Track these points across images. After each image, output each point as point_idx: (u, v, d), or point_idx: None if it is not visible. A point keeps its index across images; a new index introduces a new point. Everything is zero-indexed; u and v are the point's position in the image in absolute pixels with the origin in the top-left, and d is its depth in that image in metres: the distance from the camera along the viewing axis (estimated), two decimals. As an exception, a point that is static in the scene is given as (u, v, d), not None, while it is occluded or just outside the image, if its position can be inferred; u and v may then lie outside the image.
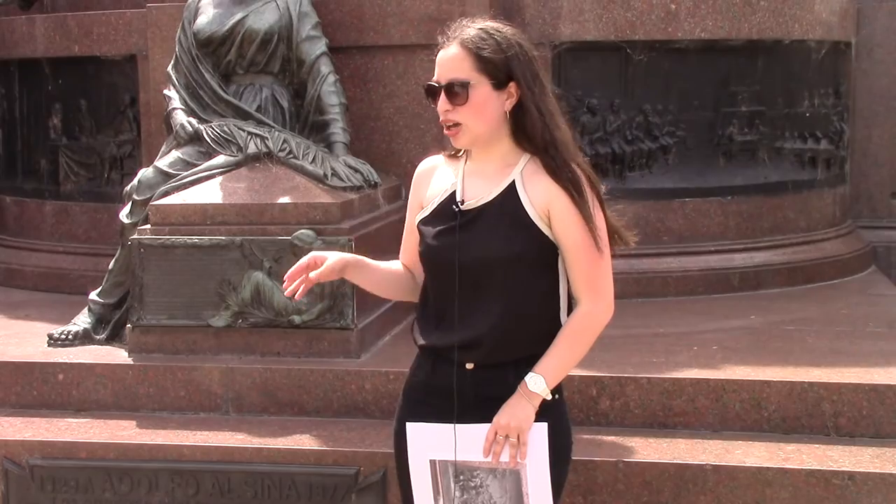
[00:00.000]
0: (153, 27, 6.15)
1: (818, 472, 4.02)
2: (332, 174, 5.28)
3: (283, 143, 5.34)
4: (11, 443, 4.60)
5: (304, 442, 4.49)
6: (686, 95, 6.36)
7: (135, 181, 5.41)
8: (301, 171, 5.25)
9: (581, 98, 6.24)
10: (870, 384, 4.38)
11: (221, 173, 5.27)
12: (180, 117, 5.55)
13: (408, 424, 2.94)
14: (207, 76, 5.67)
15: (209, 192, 5.16)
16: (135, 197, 5.33)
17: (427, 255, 2.93)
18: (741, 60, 6.45)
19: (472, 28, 2.84)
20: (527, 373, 2.81)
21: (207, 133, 5.41)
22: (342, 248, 4.88)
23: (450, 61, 2.82)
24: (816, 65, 6.79)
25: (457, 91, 2.77)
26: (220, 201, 5.09)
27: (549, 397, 2.82)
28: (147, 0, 6.27)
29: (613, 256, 2.89)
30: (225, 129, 5.41)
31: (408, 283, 3.15)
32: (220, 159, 5.32)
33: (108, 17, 6.66)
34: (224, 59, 5.69)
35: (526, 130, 2.81)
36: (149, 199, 5.22)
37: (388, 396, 4.72)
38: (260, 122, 5.53)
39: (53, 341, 5.26)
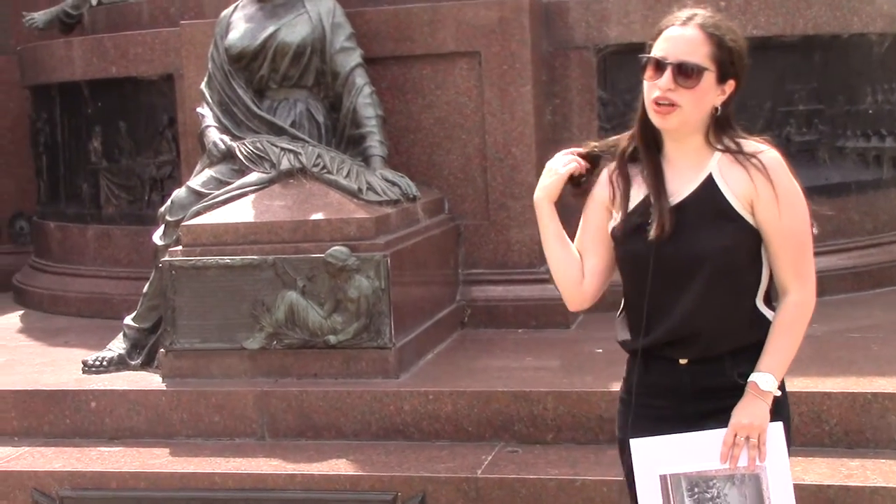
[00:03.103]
0: (187, 44, 6.04)
1: (884, 489, 3.78)
2: (368, 188, 5.11)
3: (316, 158, 5.17)
4: (41, 474, 4.49)
5: (339, 467, 4.31)
6: (741, 96, 6.07)
7: (168, 202, 5.29)
8: (335, 185, 5.08)
9: (629, 102, 5.97)
10: (939, 395, 4.10)
11: (254, 191, 5.13)
12: (213, 135, 5.43)
13: (631, 442, 2.82)
14: (240, 92, 5.53)
15: (241, 211, 5.01)
16: (167, 218, 5.21)
17: (627, 257, 2.82)
18: (797, 57, 6.17)
19: (709, 15, 2.76)
20: (741, 362, 2.76)
21: (240, 150, 5.27)
22: (377, 265, 4.72)
23: (687, 42, 2.71)
24: (878, 59, 6.48)
25: (689, 73, 2.68)
26: (252, 220, 4.94)
27: (779, 394, 2.77)
28: (182, 17, 6.16)
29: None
30: (258, 145, 5.26)
31: (577, 269, 2.93)
32: (253, 177, 5.18)
33: (144, 36, 6.57)
34: (257, 74, 5.55)
35: (729, 127, 2.78)
36: (181, 220, 5.08)
37: (427, 417, 4.54)
38: (294, 138, 5.38)
39: (88, 368, 5.15)
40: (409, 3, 5.91)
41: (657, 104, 2.71)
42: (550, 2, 5.96)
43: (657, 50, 2.73)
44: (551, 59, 5.93)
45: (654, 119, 2.75)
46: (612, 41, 5.94)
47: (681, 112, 2.70)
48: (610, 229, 2.85)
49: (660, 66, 2.71)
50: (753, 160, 2.72)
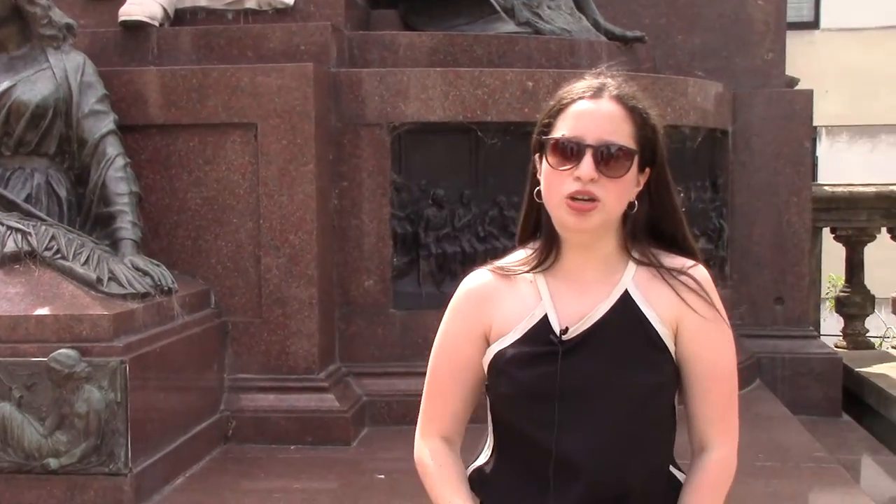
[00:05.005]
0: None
1: None
2: (110, 278, 4.28)
3: (50, 241, 4.31)
4: None
5: None
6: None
7: None
8: (70, 274, 4.23)
9: (425, 188, 5.35)
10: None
11: (-30, 277, 4.23)
12: (-75, 209, 4.51)
13: None
14: (-34, 159, 4.65)
15: (-51, 302, 4.11)
16: None
17: (517, 397, 2.18)
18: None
19: (621, 82, 2.20)
20: None
21: (-43, 228, 4.37)
22: (112, 373, 3.88)
23: (607, 120, 2.14)
24: (692, 155, 6.05)
25: (617, 159, 2.11)
26: (-39, 313, 4.04)
27: None
28: None
29: None
30: (-22, 222, 4.37)
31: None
32: (-30, 260, 4.28)
33: None
34: (-13, 137, 4.68)
35: (661, 227, 2.24)
36: None
37: (166, 564, 3.69)
38: (28, 214, 4.51)
39: None
40: (176, 65, 5.15)
41: (573, 200, 2.09)
42: (340, 71, 5.30)
43: (566, 129, 2.13)
44: (339, 136, 5.24)
45: (567, 220, 2.12)
46: (408, 119, 5.29)
47: (603, 209, 2.12)
48: (490, 358, 2.21)
49: (574, 150, 2.09)
50: (683, 277, 2.18)
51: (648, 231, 2.22)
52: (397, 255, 5.32)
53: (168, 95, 5.03)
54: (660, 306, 2.17)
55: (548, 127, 2.16)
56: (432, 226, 5.34)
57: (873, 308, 8.08)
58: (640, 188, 2.18)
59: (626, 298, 2.17)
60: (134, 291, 4.31)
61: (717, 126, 6.30)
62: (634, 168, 2.13)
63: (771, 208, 6.66)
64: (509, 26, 5.94)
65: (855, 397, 6.46)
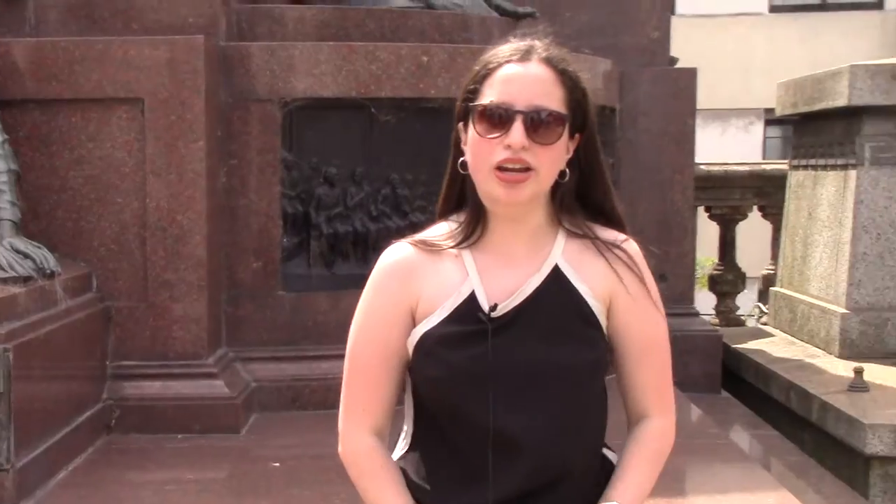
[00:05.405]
0: None
1: None
2: (-11, 262, 4.04)
3: (-79, 222, 4.05)
4: None
5: None
6: (440, 164, 5.39)
7: None
8: (-55, 258, 3.98)
9: (317, 166, 5.21)
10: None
11: None
12: None
13: None
14: None
15: None
16: None
17: (448, 380, 2.04)
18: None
19: (548, 43, 2.08)
20: None
21: None
22: (-5, 363, 3.67)
23: (537, 83, 2.02)
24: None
25: (549, 124, 1.99)
26: None
27: None
28: None
29: None
30: None
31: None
32: None
33: None
34: None
35: (589, 196, 2.13)
36: None
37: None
38: None
39: None
40: (56, 37, 4.89)
41: (503, 170, 1.97)
42: (229, 45, 5.10)
43: (493, 95, 2.01)
44: (229, 112, 5.05)
45: (497, 192, 2.00)
46: (300, 94, 5.13)
47: (536, 179, 2.01)
48: (416, 339, 2.08)
49: (503, 117, 1.97)
50: (616, 250, 2.10)
51: (576, 200, 2.13)
52: (287, 236, 5.17)
53: (48, 69, 4.77)
54: (592, 280, 2.09)
55: (473, 93, 2.04)
56: (324, 205, 5.20)
57: (744, 285, 8.26)
58: (570, 155, 2.08)
59: (556, 272, 2.08)
60: (15, 275, 4.09)
61: (607, 104, 6.28)
62: (566, 134, 2.03)
63: (656, 186, 6.69)
64: (401, 1, 5.81)
65: (731, 374, 6.57)
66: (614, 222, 2.15)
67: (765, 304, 7.85)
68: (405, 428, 2.17)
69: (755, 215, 8.37)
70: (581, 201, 2.13)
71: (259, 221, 5.10)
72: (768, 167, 8.23)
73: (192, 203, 4.77)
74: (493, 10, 6.12)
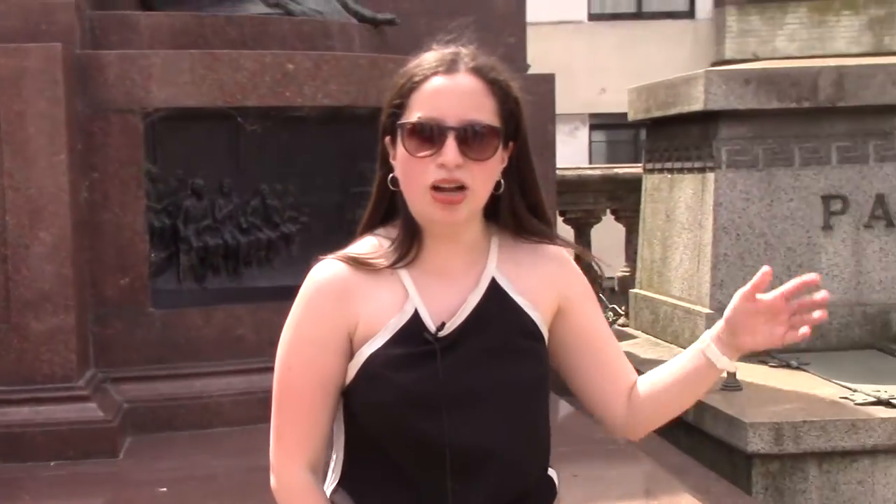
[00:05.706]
0: None
1: None
2: None
3: None
4: None
5: None
6: (309, 173, 5.32)
7: None
8: None
9: (183, 178, 5.04)
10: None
11: None
12: None
13: None
14: None
15: None
16: None
17: (396, 404, 1.92)
18: (368, 132, 5.48)
19: (474, 51, 1.97)
20: None
21: None
22: None
23: (467, 96, 1.91)
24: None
25: (483, 139, 1.89)
26: None
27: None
28: None
29: None
30: None
31: None
32: None
33: None
34: None
35: (522, 204, 2.03)
36: None
37: None
38: None
39: None
40: None
41: (437, 190, 1.87)
42: (86, 53, 4.88)
43: (422, 110, 1.88)
44: (89, 124, 4.83)
45: (433, 213, 1.90)
46: (161, 104, 4.95)
47: (473, 198, 1.91)
48: (361, 363, 1.95)
49: (434, 133, 1.87)
50: (552, 256, 2.06)
51: (508, 209, 2.04)
52: (155, 251, 4.98)
53: None
54: (530, 291, 2.01)
55: (399, 108, 1.93)
56: (192, 218, 5.04)
57: (601, 287, 8.38)
58: (504, 165, 1.98)
59: (494, 286, 2.00)
60: None
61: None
62: (500, 147, 1.94)
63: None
64: (259, 7, 5.69)
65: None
66: (545, 223, 2.09)
67: (620, 306, 7.95)
68: (334, 457, 2.04)
69: (608, 218, 8.50)
70: (512, 210, 2.04)
71: (125, 236, 4.89)
72: (621, 171, 8.37)
73: (56, 218, 4.54)
74: (352, 16, 6.04)
